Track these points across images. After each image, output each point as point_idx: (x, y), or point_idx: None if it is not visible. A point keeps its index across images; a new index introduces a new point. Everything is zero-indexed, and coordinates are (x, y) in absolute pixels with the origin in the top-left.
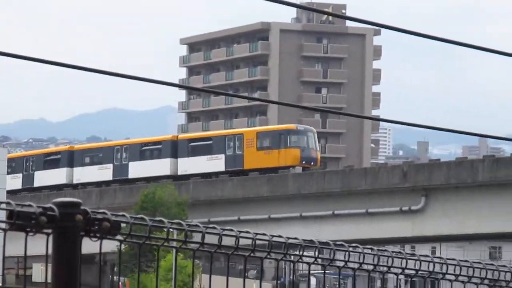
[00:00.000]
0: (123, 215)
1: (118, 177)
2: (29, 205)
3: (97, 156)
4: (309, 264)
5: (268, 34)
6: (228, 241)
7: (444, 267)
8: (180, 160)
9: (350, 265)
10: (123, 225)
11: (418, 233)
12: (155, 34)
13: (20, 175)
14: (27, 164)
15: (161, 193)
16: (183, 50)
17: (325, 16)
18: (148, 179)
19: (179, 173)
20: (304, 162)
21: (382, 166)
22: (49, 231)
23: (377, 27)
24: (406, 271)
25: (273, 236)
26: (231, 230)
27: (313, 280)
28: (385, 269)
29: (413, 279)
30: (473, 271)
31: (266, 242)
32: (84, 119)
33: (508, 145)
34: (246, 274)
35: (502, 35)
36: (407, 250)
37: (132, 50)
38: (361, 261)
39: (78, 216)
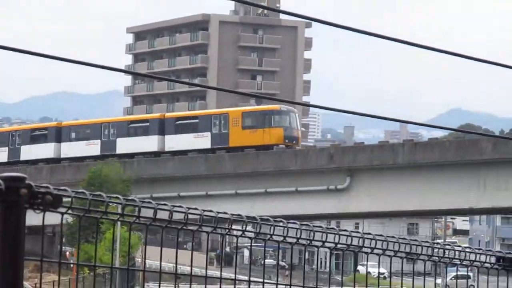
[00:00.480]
0: (65, 189)
1: (106, 153)
2: None
3: (85, 132)
4: (237, 236)
5: (208, 25)
6: (164, 215)
7: (361, 241)
8: (167, 137)
9: (275, 238)
10: (68, 199)
11: (343, 210)
12: (105, 22)
13: (6, 148)
14: (13, 138)
15: (107, 171)
16: (130, 38)
17: (261, 9)
18: (135, 155)
19: (166, 149)
20: (287, 140)
21: (311, 148)
22: None
23: (308, 20)
24: (327, 244)
25: (204, 210)
26: (165, 204)
27: (247, 252)
28: (307, 242)
29: (334, 251)
30: (387, 244)
31: (199, 217)
32: (36, 101)
33: (426, 130)
34: (185, 246)
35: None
36: (332, 225)
37: (82, 37)
38: (285, 234)
39: (23, 190)
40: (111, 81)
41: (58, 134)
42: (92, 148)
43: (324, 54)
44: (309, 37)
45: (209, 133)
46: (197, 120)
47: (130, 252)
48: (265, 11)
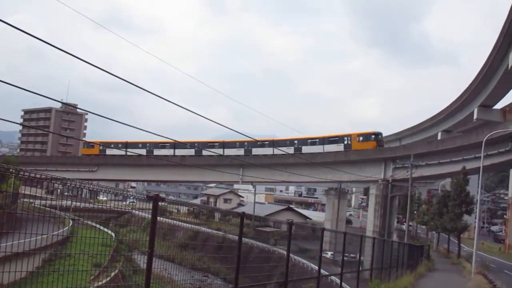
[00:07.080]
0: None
1: (296, 152)
2: None
3: (285, 144)
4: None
5: (51, 111)
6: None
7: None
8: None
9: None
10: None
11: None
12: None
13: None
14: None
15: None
16: (22, 113)
17: (70, 106)
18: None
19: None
20: (378, 146)
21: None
22: None
23: (87, 112)
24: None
25: (82, 180)
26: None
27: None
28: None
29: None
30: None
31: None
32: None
33: None
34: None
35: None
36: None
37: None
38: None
39: None
40: (15, 127)
41: (274, 144)
42: (290, 150)
43: (93, 123)
44: (86, 118)
45: (342, 144)
46: (337, 138)
47: None
48: (72, 107)
